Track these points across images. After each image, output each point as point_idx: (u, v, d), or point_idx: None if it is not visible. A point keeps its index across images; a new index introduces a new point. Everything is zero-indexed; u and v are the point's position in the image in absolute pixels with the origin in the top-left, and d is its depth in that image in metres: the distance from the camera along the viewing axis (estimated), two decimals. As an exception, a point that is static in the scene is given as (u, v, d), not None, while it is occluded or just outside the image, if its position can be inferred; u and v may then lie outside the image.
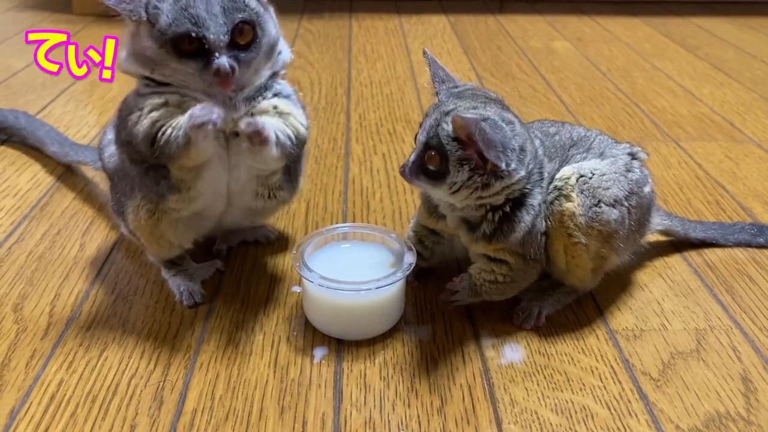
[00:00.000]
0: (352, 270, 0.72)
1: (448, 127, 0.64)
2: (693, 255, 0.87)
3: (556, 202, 0.69)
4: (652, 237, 0.90)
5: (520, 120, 0.68)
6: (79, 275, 0.80)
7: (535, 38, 1.87)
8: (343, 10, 2.13)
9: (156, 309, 0.75)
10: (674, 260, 0.86)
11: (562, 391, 0.65)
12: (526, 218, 0.68)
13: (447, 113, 0.65)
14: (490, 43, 1.81)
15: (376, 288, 0.68)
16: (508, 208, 0.67)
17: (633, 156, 0.75)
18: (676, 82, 1.53)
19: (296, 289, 0.78)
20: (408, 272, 0.70)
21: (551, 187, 0.70)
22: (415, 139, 0.68)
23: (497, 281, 0.71)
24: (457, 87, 0.70)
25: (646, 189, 0.75)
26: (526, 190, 0.68)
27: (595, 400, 0.64)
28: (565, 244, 0.70)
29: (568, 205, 0.68)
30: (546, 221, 0.70)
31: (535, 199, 0.68)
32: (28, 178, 1.03)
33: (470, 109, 0.65)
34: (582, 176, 0.69)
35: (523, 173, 0.66)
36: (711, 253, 0.87)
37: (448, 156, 0.64)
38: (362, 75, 1.53)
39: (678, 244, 0.89)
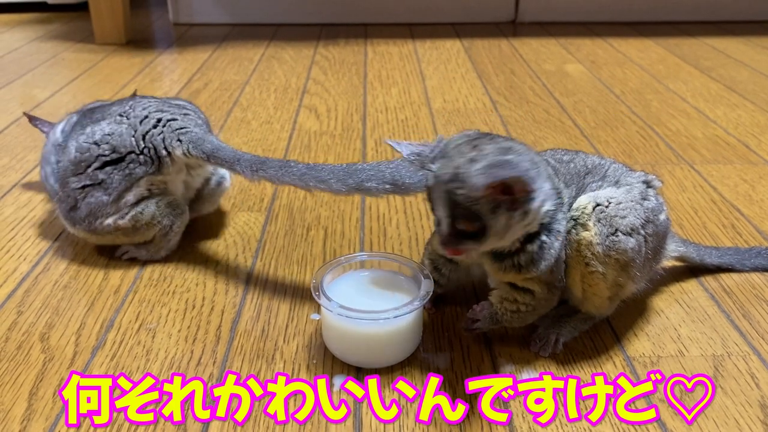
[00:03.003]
0: (370, 298, 0.74)
1: (463, 190, 0.62)
2: (709, 280, 0.87)
3: (573, 231, 0.70)
4: (668, 263, 0.91)
5: (519, 142, 0.68)
6: (103, 304, 0.82)
7: (549, 61, 1.88)
8: (359, 36, 2.17)
9: (179, 338, 0.76)
10: (691, 286, 0.86)
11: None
12: (555, 245, 0.68)
13: (453, 179, 0.62)
14: (504, 67, 1.83)
15: (395, 317, 0.69)
16: (544, 237, 0.68)
17: (648, 184, 0.76)
18: (690, 104, 1.54)
19: (315, 316, 0.80)
20: (425, 300, 0.71)
21: (568, 216, 0.71)
22: (432, 211, 0.66)
23: (519, 311, 0.71)
24: (431, 151, 0.67)
25: (662, 217, 0.76)
26: (551, 213, 0.68)
27: (613, 428, 0.64)
28: (582, 273, 0.71)
29: (585, 234, 0.69)
30: (564, 250, 0.71)
31: (561, 224, 0.69)
32: (53, 207, 1.06)
33: (467, 162, 0.62)
34: (598, 205, 0.70)
35: (547, 185, 0.66)
36: (728, 279, 0.87)
37: (479, 214, 0.62)
38: (377, 101, 1.56)
39: (694, 270, 0.89)
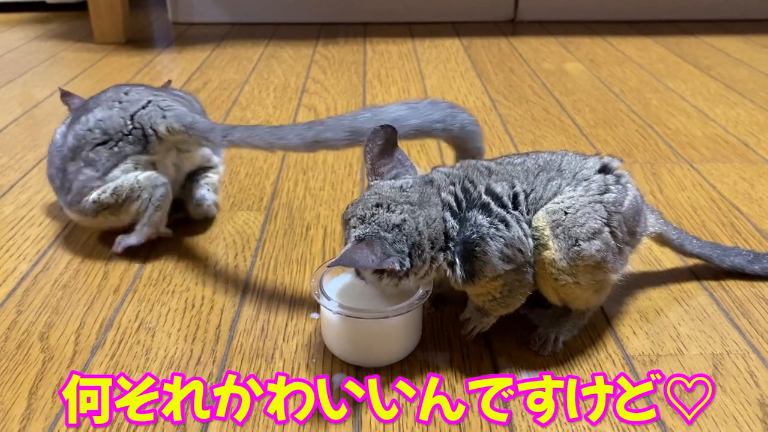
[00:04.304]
0: (369, 297, 0.74)
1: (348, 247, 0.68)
2: (709, 279, 0.87)
3: (535, 251, 0.69)
4: (666, 261, 0.91)
5: (422, 203, 0.68)
6: (103, 303, 0.82)
7: (548, 60, 1.88)
8: (358, 35, 2.17)
9: (178, 337, 0.76)
10: (690, 285, 0.86)
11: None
12: (488, 248, 0.67)
13: (343, 226, 0.70)
14: (503, 66, 1.83)
15: (394, 316, 0.69)
16: (458, 262, 0.68)
17: (606, 171, 0.74)
18: (690, 102, 1.54)
19: (315, 316, 0.80)
20: (425, 299, 0.71)
21: (525, 218, 0.70)
22: None
23: (495, 298, 0.70)
24: (369, 188, 0.72)
25: (627, 201, 0.73)
26: (453, 245, 0.68)
27: (613, 427, 0.64)
28: (553, 287, 0.70)
29: (546, 253, 0.68)
30: (519, 229, 0.69)
31: (481, 228, 0.67)
32: (53, 206, 1.06)
33: (357, 220, 0.67)
34: (554, 221, 0.69)
35: (425, 265, 0.67)
36: (727, 278, 0.87)
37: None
38: (377, 100, 1.56)
39: (695, 270, 0.89)
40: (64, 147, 0.92)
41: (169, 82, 1.08)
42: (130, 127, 0.90)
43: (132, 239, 0.92)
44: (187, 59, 1.91)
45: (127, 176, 0.91)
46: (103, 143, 0.90)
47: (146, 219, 0.92)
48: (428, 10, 2.32)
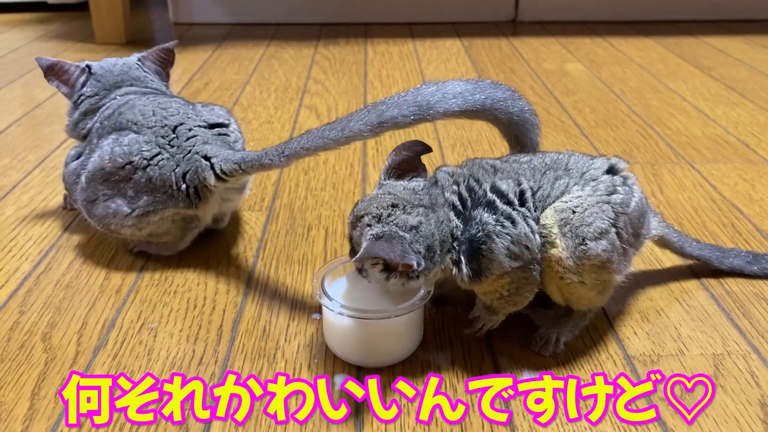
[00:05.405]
0: (371, 298, 0.74)
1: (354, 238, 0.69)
2: (710, 279, 0.87)
3: (542, 248, 0.69)
4: (667, 261, 0.91)
5: (432, 206, 0.68)
6: (105, 304, 0.83)
7: (549, 60, 1.88)
8: (358, 35, 2.17)
9: (180, 337, 0.77)
10: (691, 285, 0.86)
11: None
12: (495, 246, 0.67)
13: (351, 226, 0.70)
14: (504, 66, 1.83)
15: (395, 316, 0.69)
16: (463, 260, 0.68)
17: (613, 171, 0.75)
18: (690, 102, 1.54)
19: (316, 316, 0.80)
20: (426, 300, 0.71)
21: (533, 215, 0.70)
22: None
23: (503, 296, 0.71)
24: (381, 186, 0.72)
25: (633, 203, 0.74)
26: (458, 244, 0.68)
27: (614, 427, 0.64)
28: (558, 285, 0.71)
29: (553, 251, 0.69)
30: (524, 226, 0.69)
31: (486, 226, 0.67)
32: (55, 207, 1.06)
33: (372, 219, 0.67)
34: (562, 219, 0.69)
35: (436, 267, 0.67)
36: (728, 278, 0.87)
37: (361, 260, 0.67)
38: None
39: (695, 269, 0.89)
40: (98, 155, 0.87)
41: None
42: (182, 185, 0.85)
43: (152, 249, 0.92)
44: (189, 60, 1.91)
45: (164, 222, 0.88)
46: (148, 191, 0.85)
47: (173, 247, 0.92)
48: (429, 11, 2.32)
